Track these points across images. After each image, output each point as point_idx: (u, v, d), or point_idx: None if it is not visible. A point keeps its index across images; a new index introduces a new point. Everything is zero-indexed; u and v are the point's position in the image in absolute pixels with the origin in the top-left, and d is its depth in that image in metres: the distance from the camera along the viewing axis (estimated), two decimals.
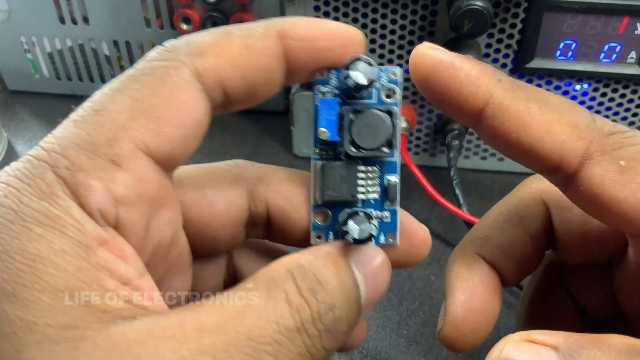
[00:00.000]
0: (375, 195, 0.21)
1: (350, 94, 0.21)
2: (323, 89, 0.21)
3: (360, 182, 0.21)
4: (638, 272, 0.22)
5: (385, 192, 0.22)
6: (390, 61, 0.42)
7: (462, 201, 0.41)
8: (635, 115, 0.43)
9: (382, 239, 0.22)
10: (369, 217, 0.20)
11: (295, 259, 0.18)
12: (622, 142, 0.19)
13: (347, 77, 0.20)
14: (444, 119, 0.44)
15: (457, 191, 0.41)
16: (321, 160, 0.21)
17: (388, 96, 0.21)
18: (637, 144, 0.19)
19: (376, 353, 0.34)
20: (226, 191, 0.23)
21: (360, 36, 0.21)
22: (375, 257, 0.20)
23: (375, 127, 0.20)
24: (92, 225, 0.16)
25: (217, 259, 0.25)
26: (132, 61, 0.52)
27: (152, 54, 0.19)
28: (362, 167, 0.21)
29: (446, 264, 0.26)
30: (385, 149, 0.20)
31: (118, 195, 0.17)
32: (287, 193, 0.23)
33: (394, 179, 0.22)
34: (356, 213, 0.20)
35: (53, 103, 0.55)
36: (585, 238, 0.23)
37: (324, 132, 0.20)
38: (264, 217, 0.23)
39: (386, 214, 0.22)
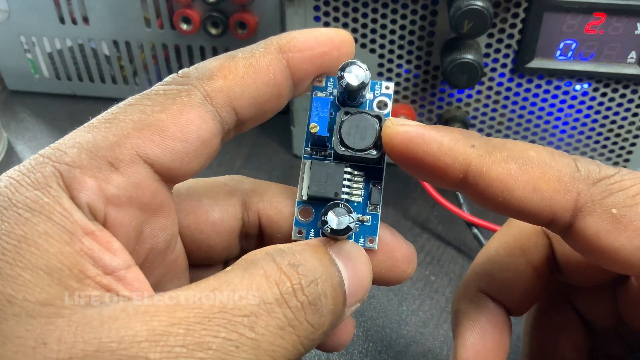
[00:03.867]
0: (359, 199, 0.22)
1: (345, 101, 0.22)
2: (320, 94, 0.22)
3: (345, 182, 0.22)
4: None
5: (369, 196, 0.22)
6: (390, 61, 0.42)
7: (462, 201, 0.41)
8: (635, 115, 0.43)
9: (361, 241, 0.22)
10: (348, 210, 0.21)
11: (275, 245, 0.19)
12: (610, 189, 0.19)
13: (341, 77, 0.21)
14: (444, 119, 0.44)
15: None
16: (311, 159, 0.22)
17: (380, 107, 0.22)
18: (625, 188, 0.19)
19: (376, 353, 0.34)
20: (221, 201, 0.24)
21: (348, 36, 0.22)
22: (355, 250, 0.21)
23: (363, 129, 0.21)
24: (80, 215, 0.17)
25: (214, 268, 0.25)
26: (132, 61, 0.52)
27: (166, 78, 0.20)
28: (348, 169, 0.22)
29: (451, 303, 0.26)
30: (372, 151, 0.21)
31: (109, 194, 0.18)
32: (278, 204, 0.24)
33: (378, 185, 0.22)
34: (337, 205, 0.21)
35: (53, 103, 0.55)
36: (587, 264, 0.23)
37: (314, 126, 0.21)
38: (256, 227, 0.24)
39: (367, 217, 0.22)
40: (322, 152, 0.22)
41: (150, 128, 0.18)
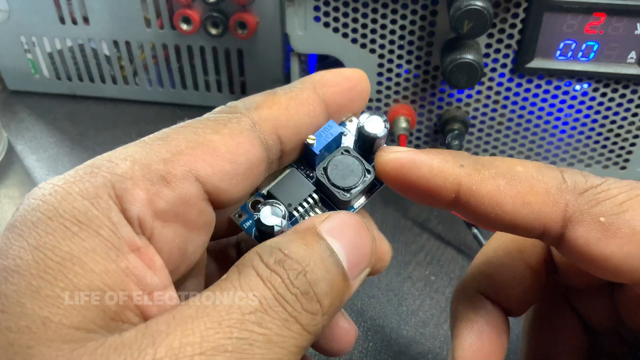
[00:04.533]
0: None
1: (362, 148, 0.23)
2: (345, 128, 0.24)
3: (305, 204, 0.23)
4: (638, 296, 0.22)
5: None
6: (390, 61, 0.42)
7: None
8: (635, 115, 0.43)
9: None
10: (283, 216, 0.21)
11: (262, 243, 0.19)
12: (597, 198, 0.19)
13: (359, 122, 0.22)
14: (444, 119, 0.44)
15: None
16: (294, 168, 0.23)
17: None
18: (612, 197, 0.19)
19: (376, 353, 0.34)
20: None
21: (364, 74, 0.23)
22: (348, 220, 0.21)
23: (350, 172, 0.22)
24: (128, 230, 0.17)
25: (229, 255, 0.26)
26: (132, 61, 0.52)
27: (216, 109, 0.21)
28: (315, 196, 0.23)
29: (450, 304, 0.26)
30: (345, 194, 0.22)
31: (158, 209, 0.18)
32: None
33: None
34: (279, 205, 0.21)
35: (53, 103, 0.55)
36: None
37: (312, 139, 0.22)
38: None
39: None
40: (307, 171, 0.23)
41: (203, 147, 0.19)
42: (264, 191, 0.23)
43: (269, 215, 0.21)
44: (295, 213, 0.22)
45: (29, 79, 0.55)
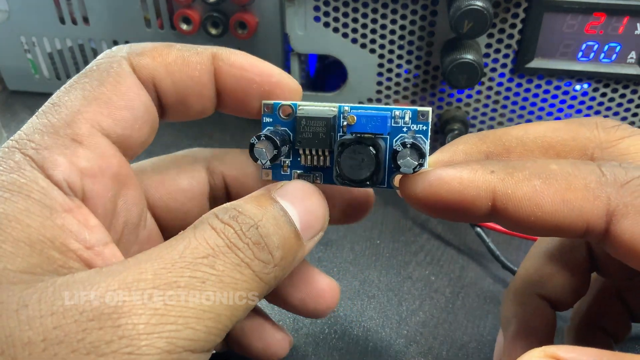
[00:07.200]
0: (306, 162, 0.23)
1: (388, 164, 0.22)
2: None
3: (313, 152, 0.22)
4: None
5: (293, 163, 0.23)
6: (390, 61, 0.42)
7: None
8: (635, 115, 0.43)
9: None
10: (271, 158, 0.21)
11: (220, 205, 0.20)
12: None
13: (397, 145, 0.21)
14: (444, 119, 0.44)
15: None
16: (337, 114, 0.22)
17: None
18: None
19: (376, 353, 0.34)
20: (186, 168, 0.25)
21: (293, 85, 0.23)
22: (301, 187, 0.22)
23: (359, 168, 0.21)
24: (58, 192, 0.18)
25: None
26: None
27: (100, 55, 0.21)
28: (326, 152, 0.22)
29: (501, 302, 0.27)
30: (338, 177, 0.22)
31: (82, 167, 0.19)
32: (240, 164, 0.26)
33: (314, 180, 0.23)
34: (275, 144, 0.21)
35: None
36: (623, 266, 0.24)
37: (353, 118, 0.21)
38: (223, 189, 0.26)
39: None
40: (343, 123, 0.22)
41: (97, 102, 0.20)
42: (298, 111, 0.22)
43: (261, 150, 0.21)
44: (300, 152, 0.22)
45: (29, 79, 0.55)
